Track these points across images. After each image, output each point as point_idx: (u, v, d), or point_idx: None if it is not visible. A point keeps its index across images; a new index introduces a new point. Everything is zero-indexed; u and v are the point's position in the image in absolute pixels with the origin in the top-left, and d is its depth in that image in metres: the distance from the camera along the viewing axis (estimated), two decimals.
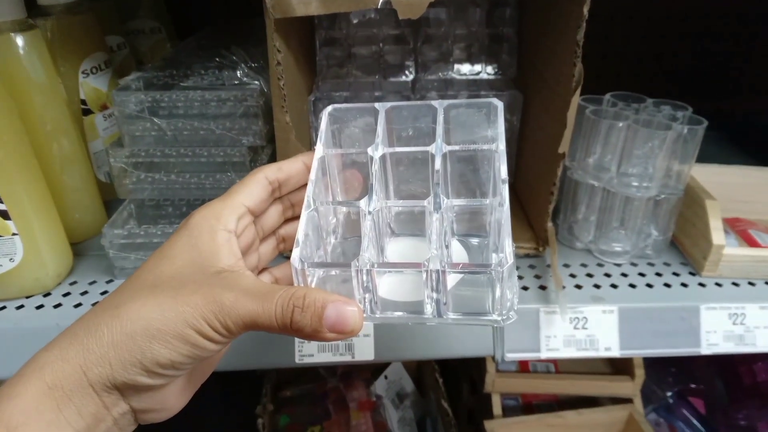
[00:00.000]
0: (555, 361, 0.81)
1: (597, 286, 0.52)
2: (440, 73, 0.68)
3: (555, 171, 0.51)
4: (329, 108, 0.40)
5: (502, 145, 0.35)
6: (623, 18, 0.98)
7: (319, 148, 0.37)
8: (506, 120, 0.65)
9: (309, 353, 0.47)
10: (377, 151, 0.37)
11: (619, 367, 0.79)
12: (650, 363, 0.96)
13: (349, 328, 0.29)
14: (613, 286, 0.52)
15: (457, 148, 0.36)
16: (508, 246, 0.30)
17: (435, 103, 0.39)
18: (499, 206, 0.32)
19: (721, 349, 0.50)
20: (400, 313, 0.32)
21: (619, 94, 0.58)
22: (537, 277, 0.53)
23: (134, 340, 0.28)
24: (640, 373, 0.74)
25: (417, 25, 0.67)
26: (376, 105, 0.40)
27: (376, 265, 0.30)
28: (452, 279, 0.31)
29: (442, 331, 0.48)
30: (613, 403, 0.78)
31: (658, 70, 1.04)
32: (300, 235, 0.32)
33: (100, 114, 0.64)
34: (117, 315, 0.29)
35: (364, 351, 0.47)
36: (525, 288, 0.51)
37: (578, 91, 0.47)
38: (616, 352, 0.49)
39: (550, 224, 0.53)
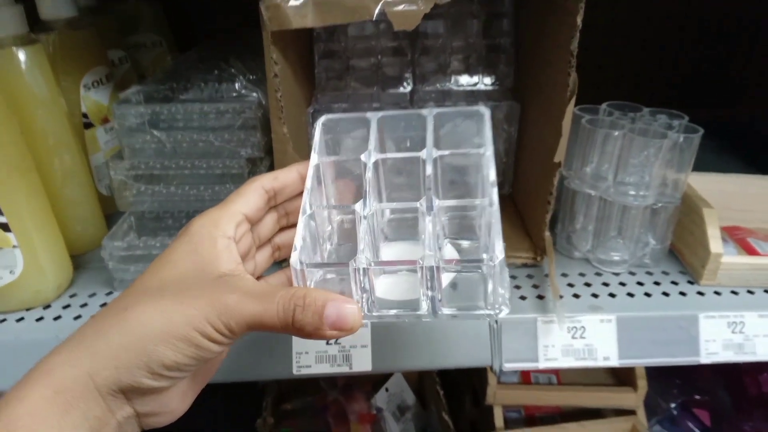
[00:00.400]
0: (557, 373, 0.81)
1: (595, 296, 0.52)
2: (438, 85, 0.68)
3: (551, 180, 0.51)
4: (322, 118, 0.42)
5: (489, 151, 0.36)
6: (620, 27, 0.99)
7: (314, 157, 0.38)
8: (504, 130, 0.66)
9: (307, 364, 0.47)
10: (370, 157, 0.37)
11: (621, 378, 0.78)
12: (654, 375, 0.95)
13: (348, 325, 0.30)
14: (611, 295, 0.52)
15: (446, 152, 0.37)
16: (498, 243, 0.30)
17: (424, 111, 0.40)
18: (489, 206, 0.33)
19: (721, 358, 0.49)
20: (396, 311, 0.32)
21: (616, 103, 0.59)
22: (535, 286, 0.53)
23: (141, 343, 0.29)
24: (642, 384, 0.74)
25: (414, 37, 0.67)
26: (368, 114, 0.41)
27: (373, 264, 0.31)
28: (446, 278, 0.32)
29: (440, 342, 0.48)
30: (617, 415, 0.77)
31: (656, 79, 1.04)
32: (298, 238, 0.33)
33: (101, 127, 0.65)
34: (124, 318, 0.29)
35: (362, 362, 0.47)
36: (523, 297, 0.51)
37: (573, 100, 0.48)
38: (614, 362, 0.49)
39: (547, 234, 0.53)
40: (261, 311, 0.29)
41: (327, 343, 0.47)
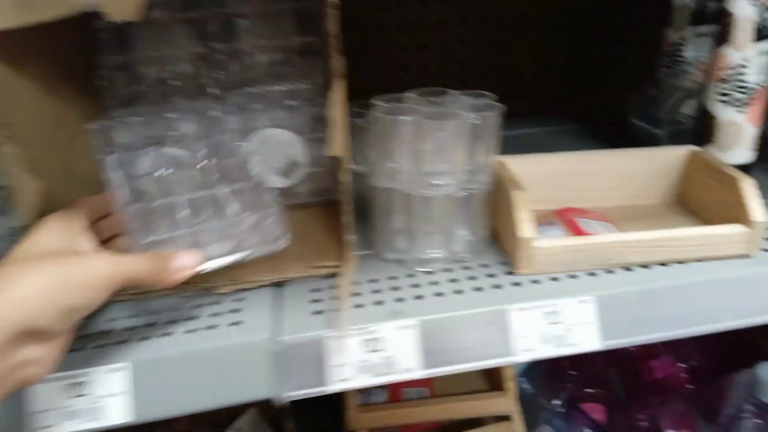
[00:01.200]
0: (429, 385, 0.75)
1: (400, 300, 0.46)
2: (248, 89, 0.62)
3: (338, 178, 0.46)
4: (111, 157, 0.45)
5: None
6: (488, 20, 0.96)
7: (118, 176, 0.43)
8: (321, 133, 0.60)
9: (46, 425, 0.39)
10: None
11: (494, 382, 0.73)
12: (545, 372, 0.91)
13: (191, 265, 0.41)
14: (419, 297, 0.46)
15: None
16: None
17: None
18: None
19: (539, 354, 0.44)
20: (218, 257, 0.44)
21: (423, 90, 0.54)
22: (335, 299, 0.47)
23: (47, 288, 0.33)
24: (511, 386, 0.69)
25: (221, 41, 0.62)
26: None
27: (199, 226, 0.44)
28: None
29: (213, 378, 0.41)
30: (497, 421, 0.72)
31: (537, 70, 1.02)
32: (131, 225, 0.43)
33: None
34: (25, 272, 0.34)
35: (118, 413, 0.40)
36: (318, 312, 0.45)
37: (338, 85, 0.42)
38: (417, 373, 0.43)
39: (347, 237, 0.47)
40: (137, 267, 0.38)
41: (75, 396, 0.40)
